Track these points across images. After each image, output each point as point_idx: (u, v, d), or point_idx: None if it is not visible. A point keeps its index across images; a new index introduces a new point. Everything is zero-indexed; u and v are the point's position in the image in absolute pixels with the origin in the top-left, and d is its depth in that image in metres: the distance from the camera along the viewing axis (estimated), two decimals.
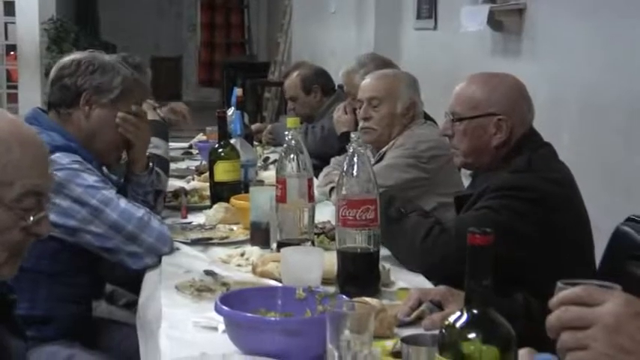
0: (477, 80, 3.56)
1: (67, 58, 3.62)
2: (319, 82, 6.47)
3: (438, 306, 2.65)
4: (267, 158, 5.68)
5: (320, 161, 4.92)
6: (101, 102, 3.60)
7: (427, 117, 4.70)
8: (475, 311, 1.62)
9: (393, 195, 3.57)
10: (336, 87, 6.53)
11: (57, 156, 3.32)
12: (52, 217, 3.25)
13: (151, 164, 3.85)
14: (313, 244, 3.35)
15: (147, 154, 3.91)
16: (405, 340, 2.19)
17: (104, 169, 3.70)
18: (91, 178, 3.38)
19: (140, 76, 4.60)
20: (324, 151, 5.00)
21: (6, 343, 2.09)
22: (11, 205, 2.04)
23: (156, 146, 4.17)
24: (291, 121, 3.52)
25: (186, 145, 6.66)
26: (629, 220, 3.69)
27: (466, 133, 3.47)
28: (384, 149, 4.34)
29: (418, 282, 3.12)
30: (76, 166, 3.37)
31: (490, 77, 3.58)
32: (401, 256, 3.39)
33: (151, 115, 4.39)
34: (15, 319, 2.18)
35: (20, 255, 2.07)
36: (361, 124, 4.38)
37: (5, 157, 2.06)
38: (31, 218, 2.11)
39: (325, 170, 4.69)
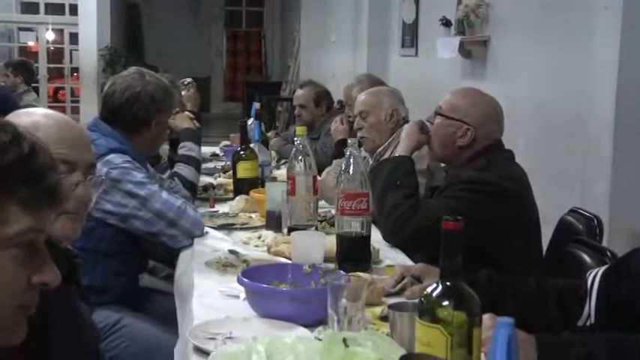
0: (468, 92, 3.59)
1: (132, 90, 3.58)
2: (325, 99, 6.47)
3: (418, 279, 2.64)
4: (279, 159, 5.67)
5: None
6: (163, 119, 3.65)
7: None
8: (448, 283, 1.62)
9: (400, 164, 3.57)
10: (336, 102, 6.51)
11: (112, 157, 3.34)
12: (108, 207, 3.30)
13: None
14: (317, 229, 3.34)
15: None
16: (391, 307, 2.19)
17: (149, 167, 3.69)
18: (139, 175, 3.37)
19: (177, 90, 4.68)
20: (321, 161, 4.96)
21: (77, 304, 2.07)
22: None
23: (190, 149, 4.16)
24: (299, 129, 3.51)
25: (214, 149, 6.65)
26: (571, 211, 3.69)
27: (441, 127, 3.49)
28: (379, 149, 4.33)
29: (401, 260, 3.11)
30: (127, 165, 3.36)
31: (478, 95, 3.57)
32: (381, 223, 3.40)
33: (186, 124, 4.39)
34: (80, 283, 2.13)
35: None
36: (358, 134, 4.38)
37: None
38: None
39: (327, 170, 4.68)
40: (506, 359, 1.04)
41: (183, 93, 5.40)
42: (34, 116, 2.21)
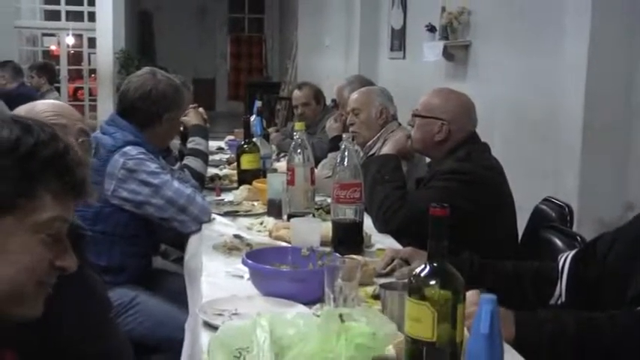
0: (440, 93, 3.58)
1: (144, 88, 3.59)
2: (323, 97, 6.47)
3: (406, 262, 2.65)
4: (279, 153, 5.67)
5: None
6: (173, 116, 3.65)
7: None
8: (435, 264, 1.61)
9: (387, 161, 3.59)
10: (330, 101, 6.51)
11: (128, 149, 3.35)
12: (124, 194, 3.31)
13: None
14: (314, 215, 3.34)
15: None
16: (383, 286, 2.19)
17: (161, 159, 3.69)
18: (152, 165, 3.37)
19: (187, 89, 4.73)
20: (317, 155, 4.93)
21: (88, 272, 2.06)
22: None
23: (198, 143, 4.15)
24: (298, 125, 3.54)
25: (220, 143, 6.65)
26: (544, 200, 3.70)
27: (420, 127, 3.51)
28: (369, 143, 4.33)
29: (391, 244, 3.10)
30: (142, 156, 3.36)
31: (449, 93, 3.59)
32: (372, 215, 3.40)
33: (195, 120, 4.38)
34: (85, 254, 2.11)
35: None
36: (350, 129, 4.38)
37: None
38: None
39: (322, 162, 4.68)
40: (489, 331, 1.04)
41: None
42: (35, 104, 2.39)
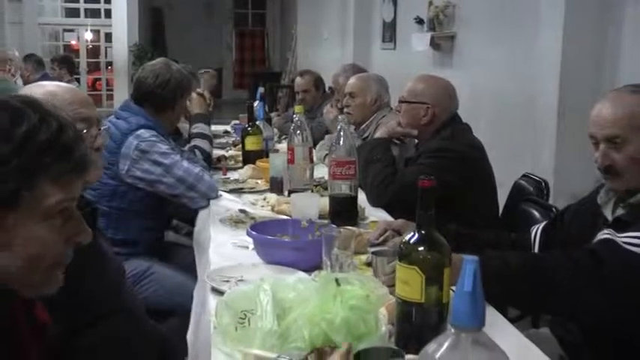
0: (423, 79, 3.58)
1: (163, 76, 3.60)
2: (321, 83, 6.43)
3: (398, 233, 2.64)
4: (280, 135, 5.66)
5: None
6: (183, 103, 3.68)
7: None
8: (423, 232, 1.61)
9: (378, 144, 3.58)
10: (327, 88, 6.48)
11: (141, 132, 3.36)
12: (138, 173, 3.31)
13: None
14: (312, 191, 3.34)
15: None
16: (375, 253, 2.19)
17: (171, 141, 3.68)
18: (164, 147, 3.37)
19: (195, 79, 4.76)
20: (315, 137, 4.90)
21: (99, 241, 2.02)
22: None
23: (202, 128, 4.15)
24: (298, 108, 3.55)
25: (226, 127, 6.63)
26: (523, 176, 3.71)
27: (406, 111, 3.51)
28: (362, 127, 4.33)
29: (383, 216, 3.11)
30: (154, 138, 3.36)
31: (431, 78, 3.60)
32: (366, 191, 3.39)
33: (197, 109, 4.37)
34: (97, 225, 1.99)
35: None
36: (345, 110, 4.38)
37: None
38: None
39: (321, 143, 4.68)
40: (472, 289, 1.04)
41: (205, 77, 5.42)
42: (47, 87, 2.21)
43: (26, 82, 8.13)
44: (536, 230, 2.53)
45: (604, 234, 2.05)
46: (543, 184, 3.59)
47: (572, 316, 2.13)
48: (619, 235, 2.00)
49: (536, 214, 3.14)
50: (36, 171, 1.29)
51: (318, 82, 6.33)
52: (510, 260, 2.04)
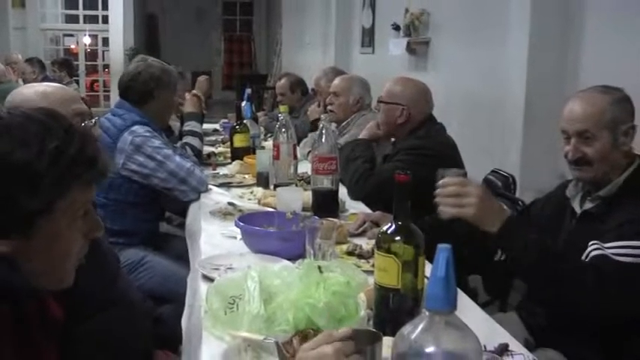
0: (400, 81, 3.58)
1: (135, 70, 3.58)
2: (299, 86, 6.41)
3: (376, 224, 2.65)
4: (266, 133, 5.65)
5: None
6: (165, 94, 3.59)
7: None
8: (400, 223, 1.61)
9: (359, 143, 3.59)
10: (310, 90, 6.47)
11: (136, 127, 3.36)
12: (133, 166, 3.29)
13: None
14: (297, 185, 3.33)
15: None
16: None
17: (164, 136, 3.67)
18: (157, 142, 3.36)
19: (182, 78, 4.88)
20: (299, 135, 4.90)
21: (101, 238, 2.00)
22: None
23: (194, 126, 4.13)
24: (282, 107, 3.58)
25: (215, 125, 6.61)
26: (492, 172, 3.72)
27: (384, 111, 3.51)
28: (343, 124, 4.33)
29: (362, 209, 3.11)
30: (147, 134, 3.36)
31: (408, 81, 3.59)
32: (346, 185, 3.39)
33: (190, 108, 4.37)
34: None
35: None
36: (327, 107, 4.39)
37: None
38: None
39: (304, 141, 4.67)
40: (445, 274, 1.04)
41: (200, 79, 5.40)
42: (37, 88, 2.20)
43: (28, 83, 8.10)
44: None
45: (594, 248, 2.06)
46: (511, 179, 3.60)
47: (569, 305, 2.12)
48: (605, 245, 2.02)
49: (504, 207, 3.14)
50: (69, 181, 1.30)
51: (293, 85, 6.32)
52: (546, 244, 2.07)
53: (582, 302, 1.96)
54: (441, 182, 2.15)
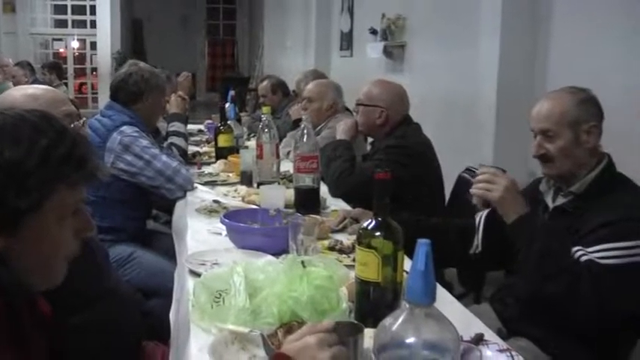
0: (378, 84, 3.58)
1: (126, 72, 3.58)
2: (281, 87, 6.40)
3: (356, 220, 2.65)
4: (249, 134, 5.64)
5: None
6: (154, 96, 3.58)
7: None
8: (380, 219, 1.61)
9: (340, 143, 3.57)
10: (291, 91, 6.46)
11: (124, 128, 3.34)
12: (121, 165, 3.27)
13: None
14: (279, 183, 3.32)
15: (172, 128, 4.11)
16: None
17: (152, 137, 3.65)
18: (144, 142, 3.35)
19: (169, 81, 4.81)
20: (281, 135, 4.88)
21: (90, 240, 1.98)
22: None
23: (178, 127, 4.13)
24: (265, 109, 3.55)
25: (200, 126, 6.58)
26: (466, 169, 3.73)
27: (363, 113, 3.52)
28: (317, 129, 4.31)
29: (343, 206, 3.11)
30: (135, 134, 3.34)
31: (386, 83, 3.60)
32: (327, 183, 3.39)
33: (174, 109, 4.36)
34: None
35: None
36: (302, 112, 4.39)
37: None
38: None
39: (284, 141, 4.66)
40: (424, 268, 1.04)
41: (180, 80, 5.39)
42: (27, 90, 2.17)
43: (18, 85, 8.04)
44: (481, 216, 2.55)
45: (580, 254, 2.08)
46: None
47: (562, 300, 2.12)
48: (589, 250, 2.05)
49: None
50: (56, 181, 1.27)
51: (275, 87, 6.32)
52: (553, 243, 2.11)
53: (578, 311, 2.01)
54: (478, 170, 2.31)
